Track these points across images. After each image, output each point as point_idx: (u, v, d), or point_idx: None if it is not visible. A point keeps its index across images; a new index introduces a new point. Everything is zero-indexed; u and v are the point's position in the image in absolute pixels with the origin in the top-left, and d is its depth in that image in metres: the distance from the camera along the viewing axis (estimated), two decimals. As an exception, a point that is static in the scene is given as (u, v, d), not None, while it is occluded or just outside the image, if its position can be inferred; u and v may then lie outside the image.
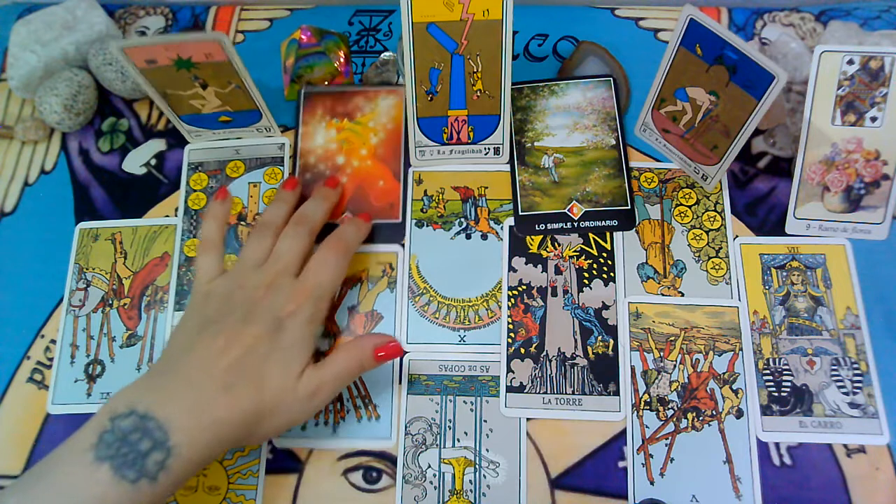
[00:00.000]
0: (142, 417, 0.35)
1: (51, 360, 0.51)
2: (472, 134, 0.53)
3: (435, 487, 0.46)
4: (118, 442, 0.34)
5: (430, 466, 0.47)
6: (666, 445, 0.47)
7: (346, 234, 0.48)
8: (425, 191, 0.54)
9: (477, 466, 0.47)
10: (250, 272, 0.44)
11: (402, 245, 0.53)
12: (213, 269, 0.46)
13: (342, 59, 0.58)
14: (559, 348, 0.49)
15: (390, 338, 0.44)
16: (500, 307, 0.51)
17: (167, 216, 0.55)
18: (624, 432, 0.47)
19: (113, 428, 0.35)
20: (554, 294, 0.51)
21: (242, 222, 0.54)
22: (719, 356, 0.49)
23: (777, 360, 0.48)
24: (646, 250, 0.52)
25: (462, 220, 0.53)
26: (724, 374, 0.48)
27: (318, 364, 0.42)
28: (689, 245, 0.52)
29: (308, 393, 0.41)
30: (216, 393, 0.37)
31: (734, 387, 0.48)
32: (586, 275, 0.51)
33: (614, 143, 0.55)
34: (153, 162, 0.57)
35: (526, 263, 0.52)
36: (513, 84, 0.50)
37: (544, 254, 0.52)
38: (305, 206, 0.50)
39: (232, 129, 0.56)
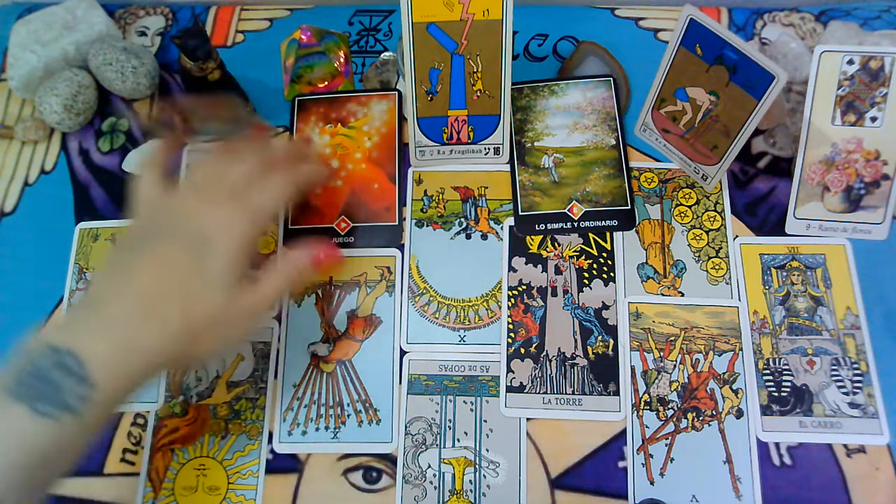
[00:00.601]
0: (59, 353, 0.34)
1: (51, 359, 0.51)
2: (472, 134, 0.53)
3: (435, 487, 0.46)
4: (35, 380, 0.34)
5: (430, 466, 0.47)
6: (666, 445, 0.46)
7: (301, 168, 0.45)
8: (425, 191, 0.54)
9: (477, 466, 0.47)
10: (189, 192, 0.42)
11: (400, 248, 0.53)
12: (152, 188, 0.42)
13: (342, 59, 0.58)
14: (559, 348, 0.49)
15: (327, 243, 0.43)
16: (500, 307, 0.51)
17: (167, 216, 0.55)
18: (624, 432, 0.47)
19: (30, 367, 0.34)
20: (554, 294, 0.51)
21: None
22: (719, 356, 0.49)
23: (777, 360, 0.48)
24: (646, 250, 0.52)
25: (462, 220, 0.53)
26: (724, 374, 0.48)
27: (254, 279, 0.40)
28: (689, 245, 0.52)
29: (244, 309, 0.39)
30: (137, 319, 0.36)
31: (734, 387, 0.48)
32: (586, 275, 0.51)
33: (614, 143, 0.55)
34: (153, 162, 0.57)
35: (526, 263, 0.52)
36: (513, 84, 0.50)
37: (544, 254, 0.52)
38: (268, 142, 0.47)
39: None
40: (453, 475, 0.46)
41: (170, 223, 0.40)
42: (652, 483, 0.46)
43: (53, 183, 0.57)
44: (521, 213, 0.53)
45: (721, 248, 0.52)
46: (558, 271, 0.51)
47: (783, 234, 0.52)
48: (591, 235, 0.52)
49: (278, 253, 0.45)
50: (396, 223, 0.53)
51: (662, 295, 0.50)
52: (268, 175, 0.42)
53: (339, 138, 0.56)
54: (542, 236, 0.52)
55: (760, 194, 0.54)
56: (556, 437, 0.47)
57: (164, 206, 0.41)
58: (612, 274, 0.51)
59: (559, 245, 0.52)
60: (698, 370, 0.48)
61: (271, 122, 0.57)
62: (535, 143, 0.55)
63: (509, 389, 0.48)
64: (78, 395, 0.34)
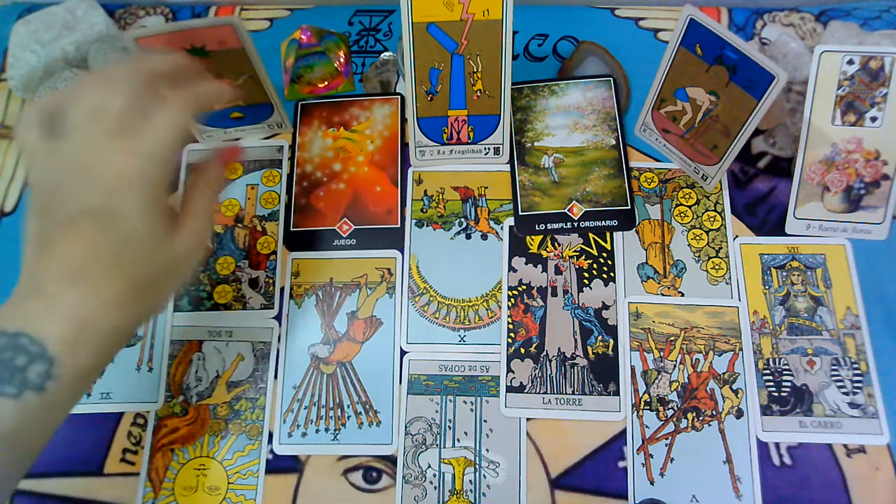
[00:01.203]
0: (12, 336, 0.34)
1: (51, 360, 0.51)
2: (472, 134, 0.53)
3: (435, 487, 0.46)
4: None
5: (430, 466, 0.47)
6: (666, 445, 0.47)
7: (199, 87, 0.40)
8: (425, 191, 0.54)
9: (477, 466, 0.47)
10: (73, 136, 0.36)
11: (400, 249, 0.53)
12: (31, 132, 0.37)
13: (342, 59, 0.58)
14: (559, 348, 0.49)
15: (225, 148, 0.41)
16: (500, 307, 0.51)
17: (167, 216, 0.55)
18: (624, 432, 0.47)
19: None
20: (554, 294, 0.51)
21: (239, 224, 0.54)
22: (719, 356, 0.49)
23: (777, 360, 0.48)
24: (646, 250, 0.52)
25: (462, 220, 0.53)
26: (724, 374, 0.48)
27: (179, 217, 0.38)
28: (689, 245, 0.52)
29: (180, 253, 0.38)
30: (76, 296, 0.35)
31: (734, 387, 0.48)
32: (586, 275, 0.51)
33: (614, 143, 0.55)
34: (153, 162, 0.57)
35: (526, 263, 0.52)
36: (513, 84, 0.50)
37: (544, 254, 0.52)
38: (154, 54, 0.42)
39: (244, 126, 0.56)
40: (453, 475, 0.47)
41: (67, 184, 0.36)
42: (652, 483, 0.46)
43: (53, 183, 0.57)
44: (521, 213, 0.53)
45: (721, 248, 0.52)
46: (558, 271, 0.51)
47: (783, 234, 0.52)
48: (591, 235, 0.52)
49: (188, 183, 0.41)
50: (398, 225, 0.53)
51: (662, 295, 0.50)
52: (157, 103, 0.37)
53: (341, 142, 0.56)
54: (542, 236, 0.52)
55: (760, 194, 0.54)
56: (556, 437, 0.47)
57: (53, 160, 0.36)
58: (612, 274, 0.51)
59: (559, 245, 0.52)
60: (698, 370, 0.48)
61: (271, 122, 0.56)
62: (535, 143, 0.55)
63: (509, 389, 0.48)
64: (41, 373, 0.34)
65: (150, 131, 0.36)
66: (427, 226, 0.53)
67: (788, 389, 0.48)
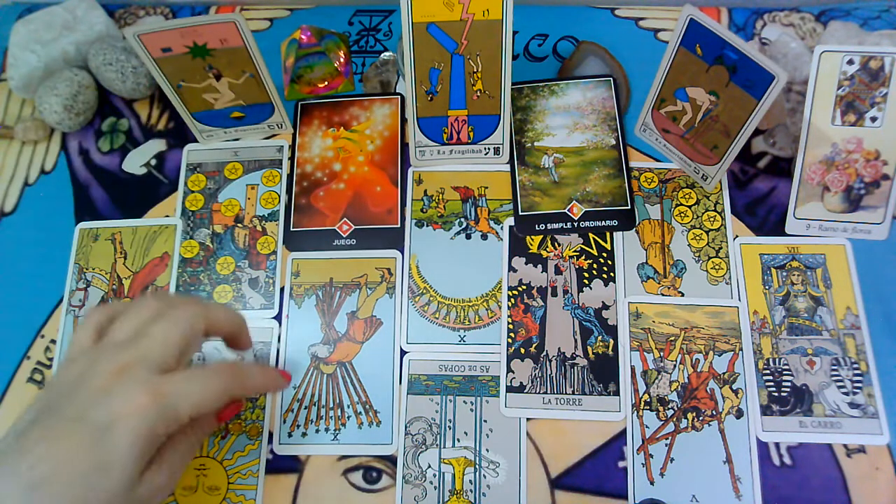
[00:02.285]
0: None
1: (51, 360, 0.51)
2: (472, 134, 0.53)
3: (435, 487, 0.46)
4: None
5: (430, 466, 0.47)
6: (666, 445, 0.47)
7: (245, 366, 0.42)
8: (425, 191, 0.54)
9: (477, 466, 0.47)
10: (108, 350, 0.38)
11: (400, 249, 0.53)
12: (85, 340, 0.40)
13: (342, 59, 0.58)
14: (559, 348, 0.49)
15: (229, 407, 0.42)
16: (500, 307, 0.51)
17: (167, 216, 0.55)
18: (624, 432, 0.47)
19: None
20: (554, 294, 0.51)
21: (239, 224, 0.54)
22: (719, 356, 0.49)
23: (777, 360, 0.48)
24: (646, 250, 0.52)
25: (462, 220, 0.53)
26: (724, 374, 0.48)
27: (153, 460, 0.37)
28: (689, 245, 0.52)
29: (145, 495, 0.36)
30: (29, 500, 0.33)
31: (734, 387, 0.48)
32: (586, 275, 0.51)
33: (614, 143, 0.55)
34: (153, 162, 0.57)
35: (526, 263, 0.52)
36: (513, 84, 0.50)
37: (544, 254, 0.52)
38: (216, 304, 0.43)
39: (244, 126, 0.56)
40: (453, 475, 0.47)
41: (84, 391, 0.36)
42: (652, 483, 0.46)
43: (53, 183, 0.57)
44: (521, 213, 0.53)
45: (721, 248, 0.52)
46: (558, 271, 0.51)
47: (783, 234, 0.52)
48: (591, 235, 0.52)
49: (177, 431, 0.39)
50: (398, 225, 0.53)
51: (662, 295, 0.50)
52: (208, 366, 0.39)
53: (341, 142, 0.56)
54: (542, 236, 0.52)
55: (760, 194, 0.54)
56: (556, 437, 0.47)
57: (81, 369, 0.37)
58: (612, 274, 0.51)
59: (559, 245, 0.52)
60: (698, 370, 0.48)
61: (271, 123, 0.56)
62: (535, 143, 0.55)
63: (509, 389, 0.48)
64: None
65: (182, 383, 0.37)
66: (427, 226, 0.53)
67: (788, 389, 0.48)
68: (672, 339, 0.49)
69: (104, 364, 0.37)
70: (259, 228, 0.54)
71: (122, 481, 0.35)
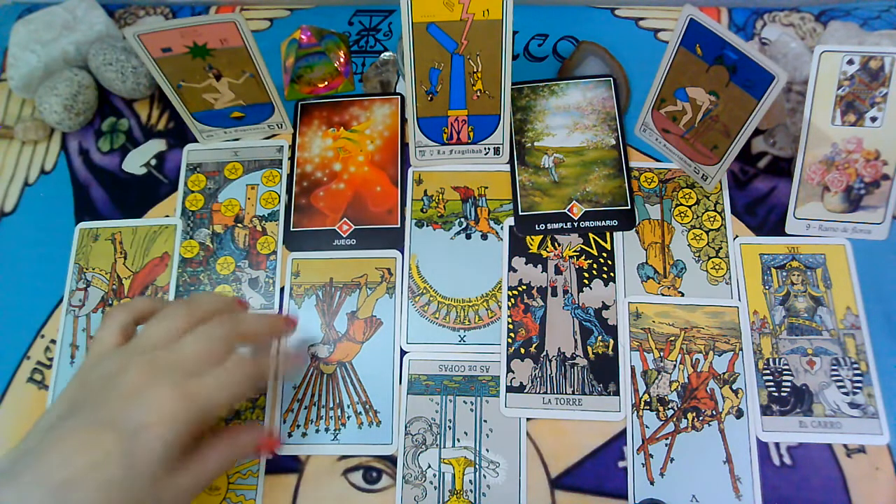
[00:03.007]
0: None
1: (51, 360, 0.51)
2: (472, 134, 0.53)
3: (435, 487, 0.46)
4: None
5: (430, 466, 0.47)
6: (666, 445, 0.47)
7: (262, 360, 0.43)
8: (425, 191, 0.54)
9: (477, 466, 0.47)
10: (139, 354, 0.38)
11: (400, 249, 0.53)
12: (111, 339, 0.40)
13: (342, 59, 0.58)
14: (559, 348, 0.49)
15: (271, 431, 0.43)
16: (500, 307, 0.51)
17: (167, 216, 0.55)
18: (624, 432, 0.47)
19: None
20: (554, 294, 0.51)
21: (239, 224, 0.54)
22: (719, 356, 0.49)
23: (777, 360, 0.48)
24: (646, 250, 0.52)
25: (462, 220, 0.53)
26: (724, 374, 0.48)
27: (182, 468, 0.37)
28: (689, 245, 0.52)
29: (179, 491, 0.36)
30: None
31: (734, 387, 0.48)
32: (586, 275, 0.51)
33: (614, 143, 0.55)
34: (153, 162, 0.57)
35: (526, 263, 0.52)
36: (513, 84, 0.50)
37: (544, 254, 0.52)
38: (247, 315, 0.44)
39: (244, 126, 0.56)
40: (453, 475, 0.46)
41: (113, 392, 0.37)
42: (652, 483, 0.46)
43: (53, 183, 0.57)
44: (521, 213, 0.53)
45: (721, 248, 0.52)
46: (558, 271, 0.51)
47: (783, 234, 0.52)
48: (591, 235, 0.52)
49: (225, 431, 0.41)
50: (398, 225, 0.53)
51: (662, 295, 0.50)
52: (228, 362, 0.39)
53: (341, 142, 0.56)
54: (542, 236, 0.52)
55: (760, 194, 0.54)
56: (556, 437, 0.47)
57: (111, 369, 0.38)
58: (612, 274, 0.51)
59: (559, 245, 0.52)
60: (698, 370, 0.48)
61: (271, 123, 0.56)
62: (535, 143, 0.55)
63: (509, 389, 0.48)
64: None
65: (210, 384, 0.38)
66: (427, 226, 0.53)
67: (788, 389, 0.48)
68: (672, 339, 0.49)
69: (136, 368, 0.37)
70: (259, 228, 0.54)
71: (149, 487, 0.35)
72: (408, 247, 0.53)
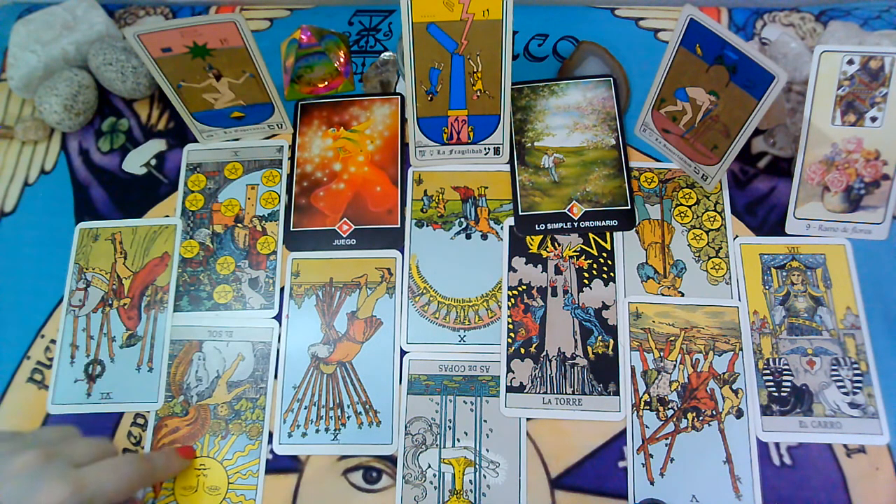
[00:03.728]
0: None
1: (51, 360, 0.51)
2: (472, 134, 0.53)
3: (435, 487, 0.46)
4: None
5: (430, 466, 0.47)
6: (666, 445, 0.47)
7: (153, 457, 0.44)
8: (425, 191, 0.54)
9: (477, 466, 0.47)
10: (29, 443, 0.38)
11: (400, 249, 0.53)
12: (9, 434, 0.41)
13: (342, 59, 0.58)
14: (559, 348, 0.49)
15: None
16: (500, 307, 0.51)
17: (167, 216, 0.55)
18: (624, 432, 0.47)
19: None
20: (554, 294, 0.51)
21: (239, 224, 0.54)
22: (719, 356, 0.49)
23: (777, 360, 0.48)
24: (646, 250, 0.52)
25: (462, 220, 0.53)
26: (724, 374, 0.48)
27: None
28: (689, 245, 0.52)
29: None
30: None
31: (734, 387, 0.48)
32: (586, 275, 0.51)
33: (614, 143, 0.55)
34: (153, 162, 0.57)
35: (526, 263, 0.52)
36: (513, 84, 0.50)
37: (544, 254, 0.52)
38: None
39: (244, 126, 0.56)
40: (453, 475, 0.47)
41: (8, 478, 0.36)
42: (652, 483, 0.46)
43: (53, 183, 0.57)
44: (521, 213, 0.53)
45: (721, 248, 0.52)
46: (558, 271, 0.51)
47: (783, 234, 0.52)
48: (591, 235, 0.52)
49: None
50: (398, 225, 0.53)
51: (662, 295, 0.50)
52: (118, 457, 0.40)
53: (341, 141, 0.56)
54: (542, 236, 0.52)
55: (760, 194, 0.54)
56: (556, 437, 0.47)
57: (13, 449, 0.37)
58: (612, 274, 0.51)
59: (559, 245, 0.52)
60: (698, 370, 0.48)
61: (271, 123, 0.56)
62: (535, 143, 0.55)
63: (509, 389, 0.48)
64: None
65: (99, 474, 0.38)
66: (427, 226, 0.53)
67: (788, 389, 0.48)
68: (672, 339, 0.49)
69: (31, 451, 0.37)
70: (259, 228, 0.54)
71: None
72: (408, 247, 0.53)
